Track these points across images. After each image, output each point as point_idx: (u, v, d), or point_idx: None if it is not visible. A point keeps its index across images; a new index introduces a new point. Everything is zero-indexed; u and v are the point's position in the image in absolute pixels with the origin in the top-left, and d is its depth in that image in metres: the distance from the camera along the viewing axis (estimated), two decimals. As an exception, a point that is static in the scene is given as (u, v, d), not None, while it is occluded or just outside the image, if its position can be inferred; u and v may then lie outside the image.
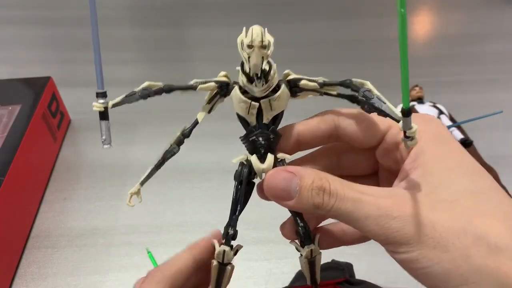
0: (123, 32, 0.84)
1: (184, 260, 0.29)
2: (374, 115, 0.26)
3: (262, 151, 0.26)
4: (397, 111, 0.22)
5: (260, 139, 0.26)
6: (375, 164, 0.28)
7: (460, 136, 0.55)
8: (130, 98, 0.26)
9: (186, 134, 0.28)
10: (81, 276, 0.46)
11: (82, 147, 0.60)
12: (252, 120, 0.26)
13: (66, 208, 0.53)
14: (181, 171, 0.56)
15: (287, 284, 0.41)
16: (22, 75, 0.61)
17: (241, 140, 0.27)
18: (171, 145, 0.28)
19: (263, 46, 0.23)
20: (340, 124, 0.26)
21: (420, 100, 0.62)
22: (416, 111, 0.58)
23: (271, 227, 0.49)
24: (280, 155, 0.26)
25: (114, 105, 0.25)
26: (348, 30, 0.86)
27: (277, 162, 0.26)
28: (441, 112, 0.59)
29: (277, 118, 0.26)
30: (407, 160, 0.24)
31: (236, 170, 0.27)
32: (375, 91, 0.24)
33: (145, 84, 0.27)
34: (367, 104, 0.24)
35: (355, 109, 0.26)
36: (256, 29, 0.23)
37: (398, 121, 0.22)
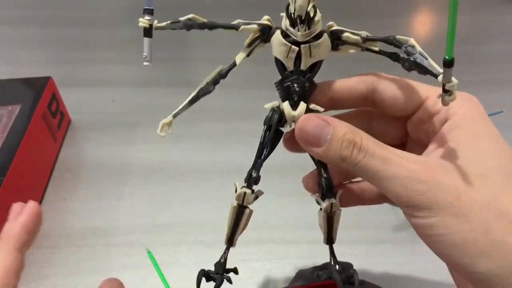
0: (123, 32, 0.84)
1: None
2: (414, 84, 0.26)
3: (296, 98, 0.26)
4: (438, 67, 0.22)
5: (295, 85, 0.26)
6: (404, 136, 0.28)
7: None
8: (174, 25, 0.27)
9: (223, 75, 0.29)
10: (81, 276, 0.46)
11: (82, 147, 0.60)
12: (290, 64, 0.26)
13: (66, 208, 0.53)
14: (181, 171, 0.56)
15: (287, 284, 0.41)
16: (22, 75, 0.61)
17: (276, 86, 0.27)
18: (207, 83, 0.28)
19: None
20: (379, 86, 0.26)
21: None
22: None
23: (272, 227, 0.49)
24: (313, 106, 0.26)
25: (157, 28, 0.27)
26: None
27: (309, 112, 0.26)
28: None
29: (315, 67, 0.26)
30: (440, 132, 0.24)
31: (267, 116, 0.27)
32: (418, 47, 0.23)
33: (190, 15, 0.27)
34: (408, 62, 0.23)
35: (396, 76, 0.26)
36: None
37: (437, 77, 0.22)
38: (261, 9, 0.95)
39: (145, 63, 0.25)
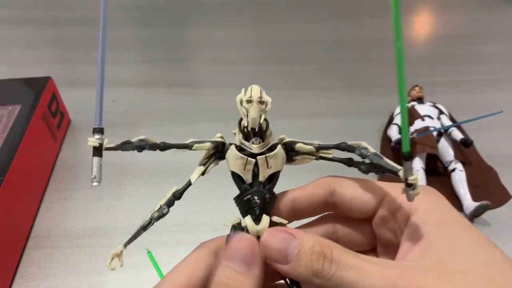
0: (123, 32, 0.84)
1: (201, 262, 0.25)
2: (370, 182, 0.25)
3: (257, 212, 0.25)
4: (396, 164, 0.22)
5: (256, 197, 0.25)
6: (373, 239, 0.27)
7: (460, 136, 0.55)
8: (125, 146, 0.26)
9: (177, 196, 0.27)
10: (81, 276, 0.46)
11: (82, 147, 0.60)
12: (248, 177, 0.25)
13: (66, 208, 0.53)
14: (181, 171, 0.56)
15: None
16: (22, 75, 0.61)
17: (235, 201, 0.26)
18: (160, 206, 0.27)
19: (262, 102, 0.24)
20: (336, 189, 0.26)
21: (420, 100, 0.62)
22: (416, 111, 0.58)
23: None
24: (276, 218, 0.25)
25: (107, 149, 0.25)
26: (348, 30, 0.86)
27: (273, 225, 0.25)
28: (441, 112, 0.59)
29: (273, 178, 0.26)
30: (406, 230, 0.23)
31: (228, 235, 0.25)
32: (371, 149, 0.24)
33: (142, 136, 0.27)
34: (363, 164, 0.24)
35: (350, 177, 0.26)
36: (255, 87, 0.24)
37: (397, 173, 0.21)
38: (259, 9, 0.94)
39: (94, 184, 0.24)
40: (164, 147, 0.27)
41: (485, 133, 0.57)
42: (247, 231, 0.25)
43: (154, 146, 0.27)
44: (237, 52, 0.80)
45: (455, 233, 0.22)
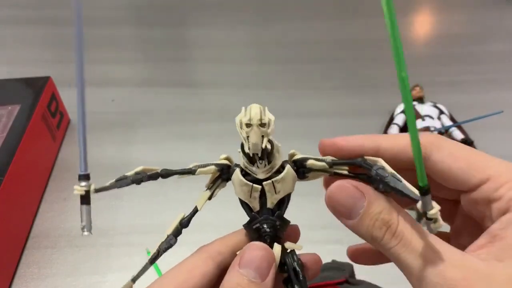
0: (123, 32, 0.84)
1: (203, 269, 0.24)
2: (475, 156, 0.23)
3: (268, 241, 0.23)
4: (415, 190, 0.20)
5: (265, 226, 0.23)
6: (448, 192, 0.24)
7: (460, 136, 0.55)
8: (120, 182, 0.24)
9: (184, 224, 0.26)
10: (81, 276, 0.46)
11: (81, 147, 0.60)
12: (255, 205, 0.24)
13: (66, 208, 0.53)
14: (181, 171, 0.56)
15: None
16: (21, 75, 0.61)
17: (244, 228, 0.25)
18: (167, 236, 0.26)
19: (262, 124, 0.21)
20: (432, 156, 0.23)
21: (420, 100, 0.61)
22: (416, 111, 0.58)
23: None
24: (289, 245, 0.24)
25: (99, 190, 0.23)
26: (348, 30, 0.86)
27: (285, 253, 0.23)
28: (441, 112, 0.59)
29: (283, 202, 0.24)
30: (495, 225, 0.21)
31: None
32: (389, 169, 0.21)
33: (139, 168, 0.25)
34: (382, 184, 0.21)
35: (455, 142, 0.23)
36: (254, 108, 0.22)
37: (416, 201, 0.19)
38: (259, 9, 0.94)
39: (84, 233, 0.23)
40: (166, 174, 0.25)
41: (486, 133, 0.57)
42: None
43: (155, 176, 0.25)
44: (237, 52, 0.80)
45: None
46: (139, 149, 0.59)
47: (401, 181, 0.20)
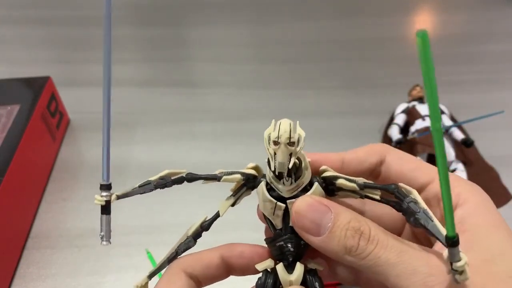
0: (123, 32, 0.84)
1: (211, 255, 0.25)
2: (421, 164, 0.24)
3: (291, 259, 0.23)
4: (445, 232, 0.19)
5: (289, 245, 0.23)
6: (402, 227, 0.26)
7: (461, 136, 0.55)
8: (144, 188, 0.24)
9: (205, 227, 0.25)
10: (80, 276, 0.46)
11: (81, 147, 0.60)
12: (278, 222, 0.23)
13: (66, 209, 0.53)
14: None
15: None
16: (21, 75, 0.61)
17: (267, 244, 0.24)
18: (187, 238, 0.25)
19: (291, 143, 0.20)
20: (387, 158, 0.24)
21: (421, 99, 0.61)
22: (417, 111, 0.58)
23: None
24: (312, 265, 0.23)
25: (120, 197, 0.23)
26: (348, 30, 0.86)
27: (307, 273, 0.23)
28: (442, 112, 0.59)
29: None
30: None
31: (259, 278, 0.23)
32: (422, 204, 0.21)
33: (164, 172, 0.24)
34: (413, 218, 0.20)
35: (405, 152, 0.24)
36: (284, 124, 0.20)
37: (445, 245, 0.18)
38: (259, 9, 0.94)
39: (103, 243, 0.23)
40: (191, 178, 0.25)
41: (486, 133, 0.57)
42: (279, 279, 0.23)
43: (179, 180, 0.25)
44: (237, 52, 0.80)
45: (502, 233, 0.21)
46: (139, 149, 0.59)
47: (432, 220, 0.20)
